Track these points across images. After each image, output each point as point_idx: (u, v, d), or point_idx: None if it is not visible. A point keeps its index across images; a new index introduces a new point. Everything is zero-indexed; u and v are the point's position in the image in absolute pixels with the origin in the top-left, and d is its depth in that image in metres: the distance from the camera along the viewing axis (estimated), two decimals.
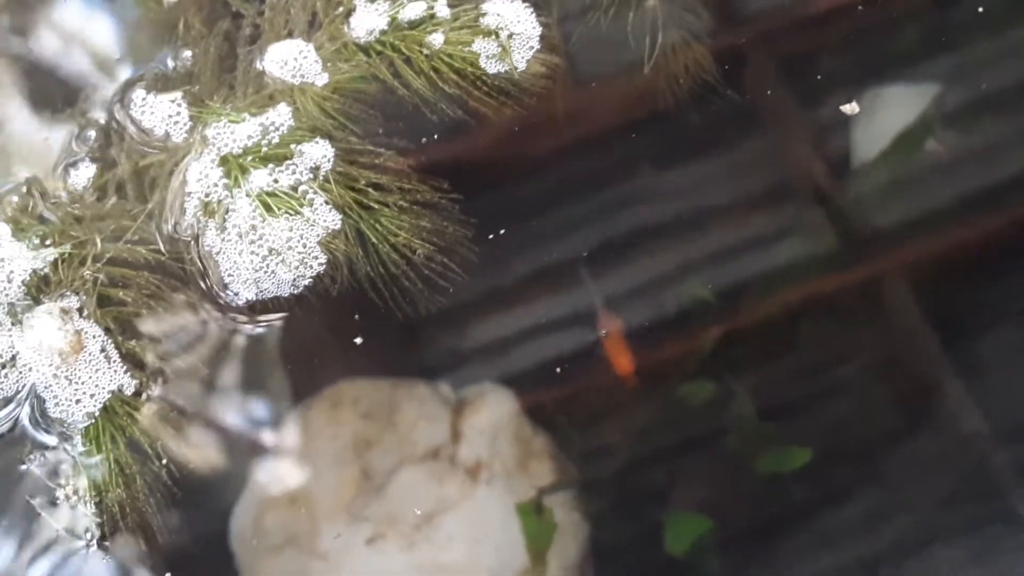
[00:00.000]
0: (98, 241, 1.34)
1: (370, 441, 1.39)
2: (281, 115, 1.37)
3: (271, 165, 1.34)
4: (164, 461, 1.32)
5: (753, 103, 1.48)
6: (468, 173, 1.42)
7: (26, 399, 1.31)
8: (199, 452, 1.35)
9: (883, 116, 1.47)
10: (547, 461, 1.40)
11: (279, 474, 1.38)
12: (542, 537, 1.36)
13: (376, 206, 1.36)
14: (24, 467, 1.31)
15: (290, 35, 1.42)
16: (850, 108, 1.47)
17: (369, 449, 1.39)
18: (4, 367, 1.31)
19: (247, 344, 1.38)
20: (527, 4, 1.42)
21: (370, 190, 1.36)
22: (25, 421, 1.31)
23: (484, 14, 1.41)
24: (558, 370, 1.41)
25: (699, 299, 1.43)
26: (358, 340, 1.39)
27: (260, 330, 1.38)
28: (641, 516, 1.40)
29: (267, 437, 1.39)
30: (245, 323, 1.37)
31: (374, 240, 1.36)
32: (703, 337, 1.42)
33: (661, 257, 1.45)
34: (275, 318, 1.37)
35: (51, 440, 1.32)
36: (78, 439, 1.31)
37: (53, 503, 1.31)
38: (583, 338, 1.42)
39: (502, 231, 1.41)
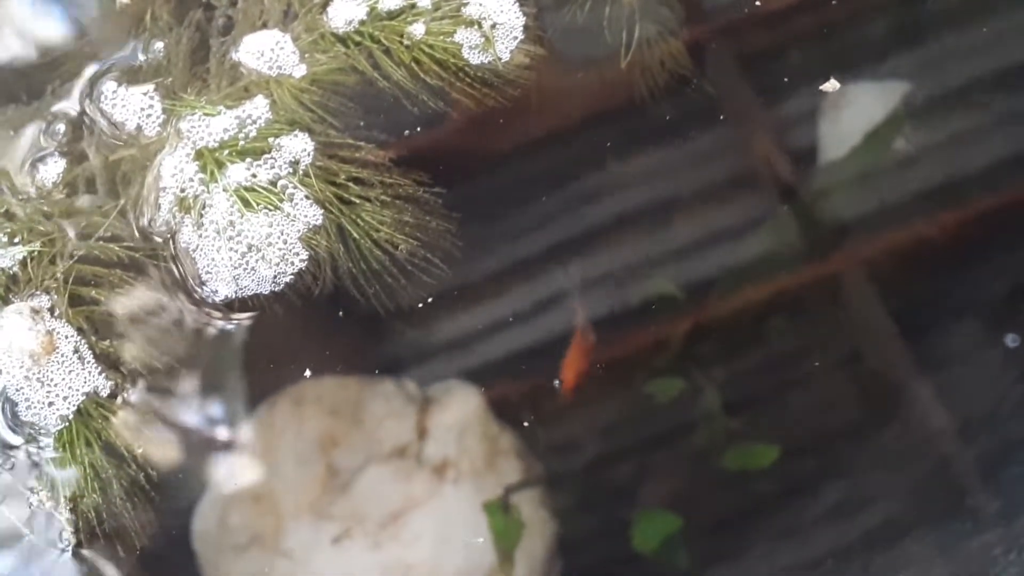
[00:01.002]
0: (72, 234, 1.31)
1: (336, 439, 1.37)
2: (258, 108, 1.34)
3: (248, 159, 1.32)
4: (137, 463, 1.29)
5: (724, 98, 1.48)
6: (440, 166, 1.40)
7: None
8: (161, 450, 1.33)
9: (850, 113, 1.48)
10: (514, 459, 1.39)
11: (243, 472, 1.36)
12: (509, 535, 1.36)
13: (357, 201, 1.34)
14: None
15: (264, 26, 1.39)
16: (831, 86, 1.47)
17: (335, 447, 1.37)
18: None
19: (214, 342, 1.36)
20: None
21: (351, 184, 1.34)
22: None
23: (466, 3, 1.39)
24: (524, 367, 1.40)
25: (666, 295, 1.43)
26: (328, 338, 1.38)
27: (229, 327, 1.36)
28: (609, 513, 1.40)
29: (230, 435, 1.37)
30: (218, 319, 1.35)
31: (356, 236, 1.33)
32: (670, 333, 1.42)
33: (628, 252, 1.45)
34: (249, 315, 1.35)
35: (23, 445, 1.28)
36: (51, 443, 1.28)
37: (27, 509, 1.28)
38: (550, 334, 1.41)
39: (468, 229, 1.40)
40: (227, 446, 1.36)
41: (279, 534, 1.34)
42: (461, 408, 1.40)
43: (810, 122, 1.48)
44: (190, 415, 1.35)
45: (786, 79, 1.49)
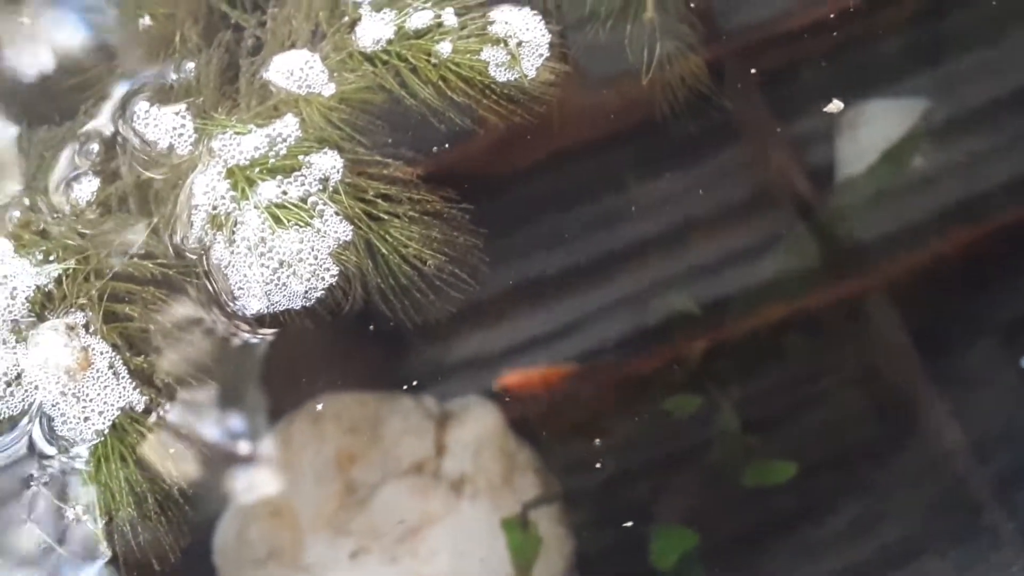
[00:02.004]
0: (112, 248, 1.32)
1: (354, 455, 1.38)
2: (288, 126, 1.35)
3: (279, 177, 1.33)
4: (172, 477, 1.31)
5: (743, 116, 1.48)
6: (467, 183, 1.41)
7: (34, 418, 1.29)
8: (186, 464, 1.34)
9: (868, 131, 1.48)
10: (532, 475, 1.40)
11: (262, 488, 1.37)
12: (527, 551, 1.36)
13: (386, 217, 1.35)
14: (32, 488, 1.29)
15: (293, 46, 1.40)
16: (834, 107, 1.47)
17: (353, 463, 1.38)
18: (9, 385, 1.28)
19: (243, 357, 1.37)
20: (535, 12, 1.42)
21: (379, 201, 1.35)
22: (33, 441, 1.29)
23: (492, 22, 1.40)
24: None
25: (684, 312, 1.43)
26: (352, 353, 1.40)
27: (256, 342, 1.37)
28: (626, 529, 1.39)
29: (251, 450, 1.38)
30: (248, 334, 1.36)
31: (384, 251, 1.35)
32: (688, 350, 1.42)
33: (647, 268, 1.45)
34: (277, 331, 1.36)
35: (59, 459, 1.30)
36: (86, 458, 1.29)
37: (62, 523, 1.29)
38: (566, 350, 1.42)
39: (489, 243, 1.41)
40: (248, 461, 1.38)
41: (297, 549, 1.35)
42: (479, 424, 1.40)
43: (828, 140, 1.48)
44: (215, 430, 1.36)
45: (805, 96, 1.50)
